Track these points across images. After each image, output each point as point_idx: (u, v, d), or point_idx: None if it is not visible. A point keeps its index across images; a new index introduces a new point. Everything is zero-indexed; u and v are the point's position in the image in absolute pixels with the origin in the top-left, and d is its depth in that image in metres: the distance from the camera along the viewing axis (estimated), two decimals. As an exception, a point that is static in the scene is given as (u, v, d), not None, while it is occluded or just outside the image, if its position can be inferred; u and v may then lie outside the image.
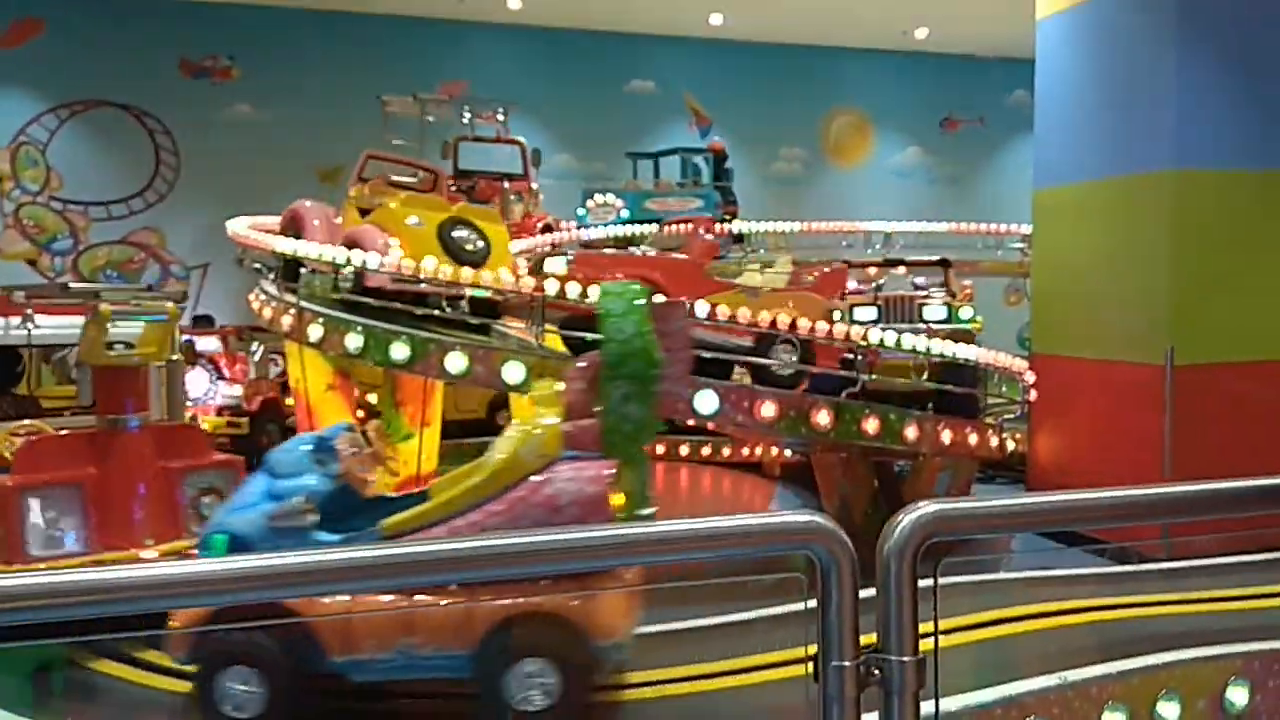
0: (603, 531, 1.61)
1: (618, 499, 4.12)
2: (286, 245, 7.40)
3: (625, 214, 11.28)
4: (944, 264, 7.81)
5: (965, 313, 7.09)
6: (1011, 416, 8.71)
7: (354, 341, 6.65)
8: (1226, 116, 6.64)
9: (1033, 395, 7.67)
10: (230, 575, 1.39)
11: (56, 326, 6.92)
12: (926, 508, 1.66)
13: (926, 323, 7.11)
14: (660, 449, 10.60)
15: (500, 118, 12.77)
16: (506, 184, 10.91)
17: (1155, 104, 6.73)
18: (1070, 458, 7.47)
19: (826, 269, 9.11)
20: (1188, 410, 6.50)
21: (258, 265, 8.29)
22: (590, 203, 11.55)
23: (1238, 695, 4.28)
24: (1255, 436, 6.38)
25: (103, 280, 13.23)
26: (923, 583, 1.63)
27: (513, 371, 6.14)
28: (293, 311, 7.24)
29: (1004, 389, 8.38)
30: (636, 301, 4.41)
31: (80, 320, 5.65)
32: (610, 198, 11.40)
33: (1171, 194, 6.62)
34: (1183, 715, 4.23)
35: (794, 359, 6.82)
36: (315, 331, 6.95)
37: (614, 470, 4.16)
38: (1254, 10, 6.65)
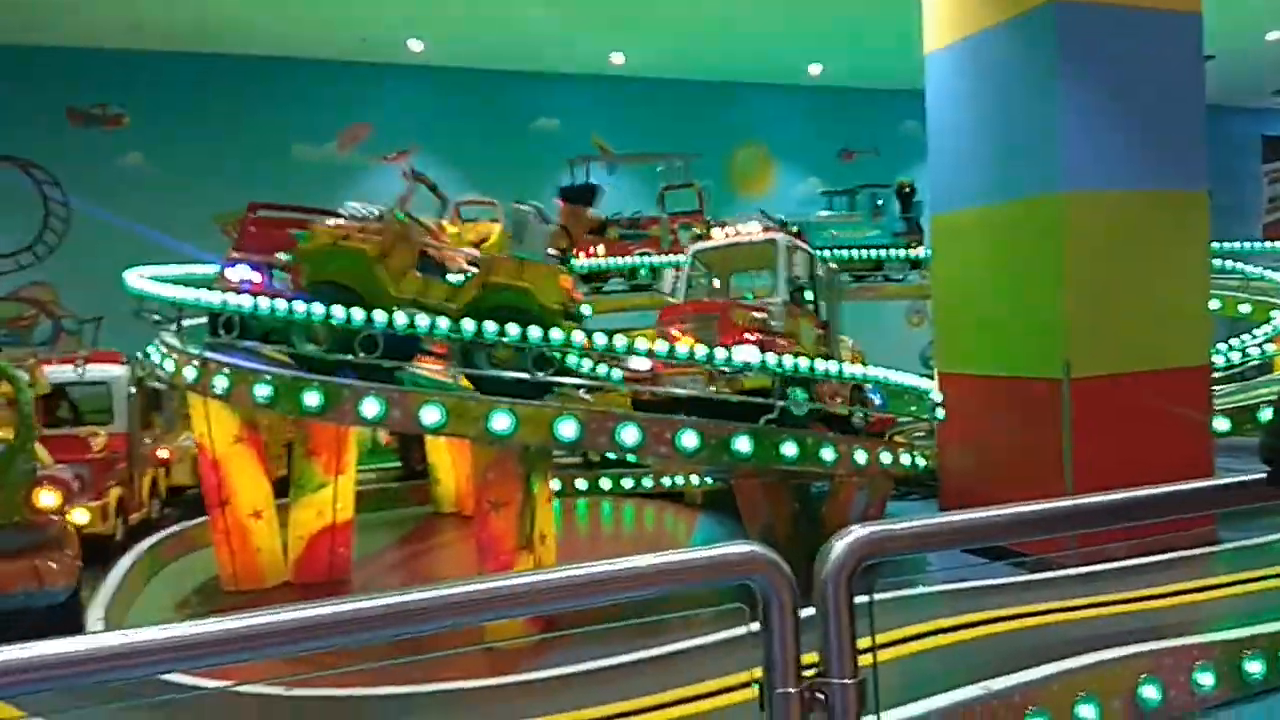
0: (542, 575, 1.60)
1: None
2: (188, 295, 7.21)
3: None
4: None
5: None
6: (922, 434, 8.99)
7: (263, 391, 6.48)
8: (1110, 141, 7.03)
9: (940, 414, 7.93)
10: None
11: None
12: (857, 531, 1.71)
13: None
14: (582, 484, 10.62)
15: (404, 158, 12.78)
16: (666, 217, 13.01)
17: (1041, 131, 7.09)
18: (978, 472, 7.72)
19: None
20: (1086, 421, 6.80)
21: (157, 316, 8.04)
22: None
23: (1150, 692, 4.46)
24: (1148, 442, 6.71)
25: (-9, 337, 12.60)
26: (859, 599, 1.68)
27: (430, 414, 6.06)
28: (195, 363, 7.03)
29: (913, 408, 8.65)
30: None
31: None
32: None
33: (1062, 215, 6.96)
34: (1100, 715, 4.38)
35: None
36: (221, 382, 6.76)
37: None
38: (1130, 42, 7.08)
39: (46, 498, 5.87)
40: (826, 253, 12.81)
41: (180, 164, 13.70)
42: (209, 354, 7.00)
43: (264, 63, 14.08)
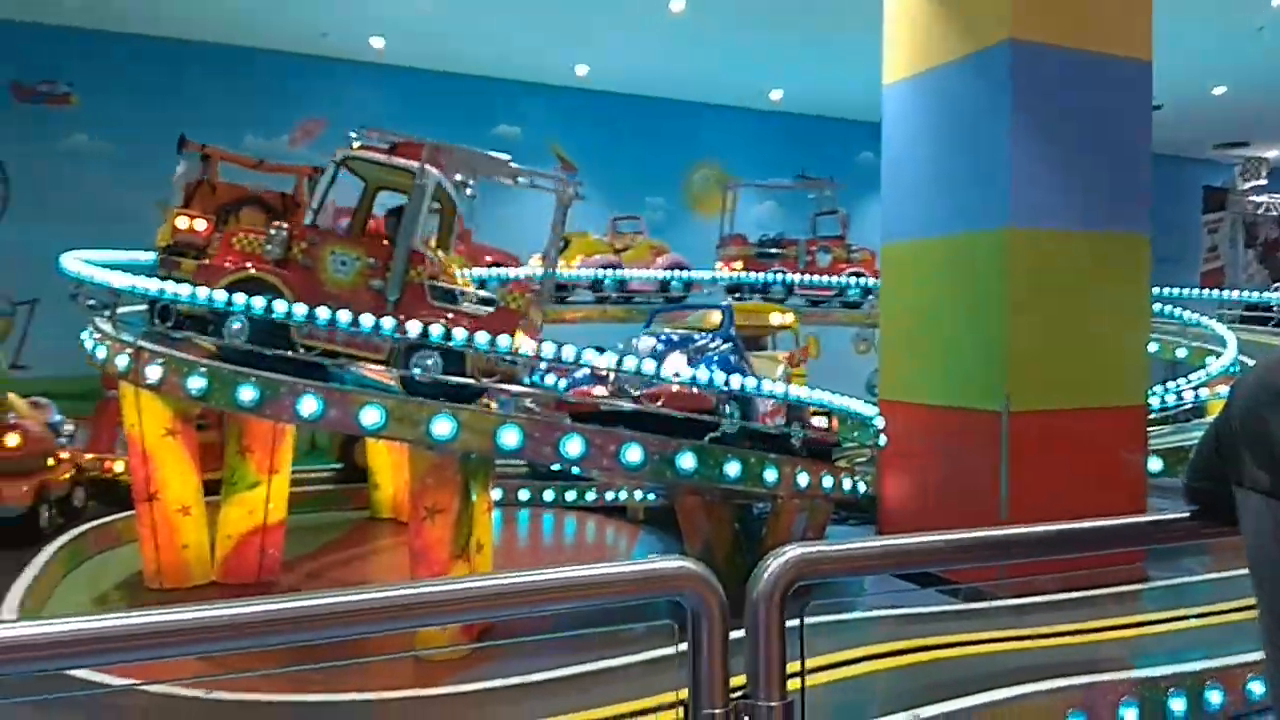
0: (474, 583, 1.56)
1: None
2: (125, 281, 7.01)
3: None
4: None
5: None
6: (864, 460, 9.06)
7: (196, 383, 6.31)
8: (1058, 180, 7.17)
9: (882, 440, 8.00)
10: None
11: None
12: (791, 551, 1.69)
13: None
14: (525, 494, 10.52)
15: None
16: (803, 240, 14.03)
17: (991, 167, 7.21)
18: (916, 500, 7.80)
19: None
20: (1022, 454, 6.90)
21: (92, 301, 7.81)
22: None
23: (1075, 725, 4.52)
24: (1082, 478, 6.84)
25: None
26: (789, 623, 1.65)
27: (370, 415, 5.94)
28: (129, 351, 6.83)
29: (856, 434, 8.70)
30: None
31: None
32: None
33: (1005, 251, 7.07)
34: (1025, 747, 4.42)
35: None
36: (154, 372, 6.56)
37: None
38: (1082, 85, 7.25)
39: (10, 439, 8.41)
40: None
41: (128, 147, 13.35)
42: (142, 342, 6.81)
43: (220, 49, 13.83)
